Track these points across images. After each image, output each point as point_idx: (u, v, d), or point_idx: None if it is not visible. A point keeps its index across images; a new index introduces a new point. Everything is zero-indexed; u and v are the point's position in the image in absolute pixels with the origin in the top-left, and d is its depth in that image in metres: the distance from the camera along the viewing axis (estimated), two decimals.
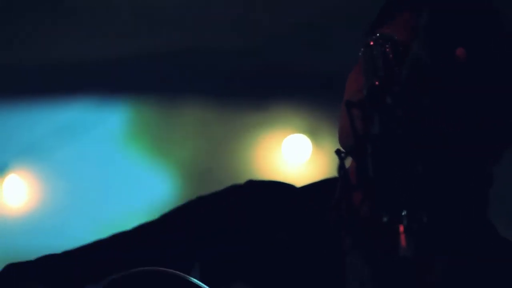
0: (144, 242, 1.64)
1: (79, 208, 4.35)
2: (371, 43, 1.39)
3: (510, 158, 1.58)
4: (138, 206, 4.33)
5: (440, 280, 1.41)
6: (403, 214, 1.14)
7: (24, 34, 4.04)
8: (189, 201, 1.70)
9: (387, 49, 1.37)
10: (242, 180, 1.74)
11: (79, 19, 3.95)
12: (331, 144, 4.31)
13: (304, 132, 4.51)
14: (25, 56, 4.22)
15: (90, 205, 4.36)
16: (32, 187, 4.37)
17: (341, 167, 1.34)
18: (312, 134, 4.51)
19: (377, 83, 1.30)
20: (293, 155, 4.49)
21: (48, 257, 1.61)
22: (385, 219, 1.15)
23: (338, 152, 1.44)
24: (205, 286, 1.47)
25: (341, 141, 1.52)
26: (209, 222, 1.65)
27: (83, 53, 4.19)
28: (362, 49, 1.40)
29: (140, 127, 4.48)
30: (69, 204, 4.35)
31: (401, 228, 1.13)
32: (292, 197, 1.67)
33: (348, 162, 1.47)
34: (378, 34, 1.45)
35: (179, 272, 1.47)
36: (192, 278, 1.48)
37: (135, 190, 4.41)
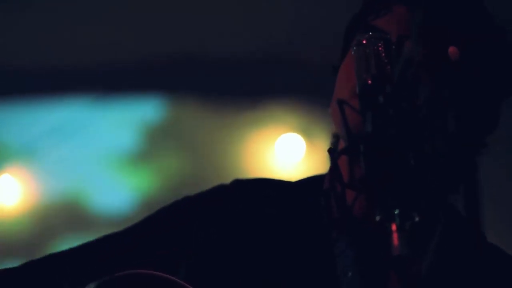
0: (131, 244, 1.63)
1: (72, 208, 4.35)
2: (364, 41, 1.39)
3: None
4: (132, 203, 4.33)
5: (425, 275, 1.42)
6: (395, 212, 1.14)
7: (19, 35, 4.04)
8: (175, 201, 1.70)
9: (380, 48, 1.37)
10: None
11: (75, 20, 3.95)
12: (325, 143, 4.30)
13: (298, 131, 4.51)
14: (19, 57, 4.21)
15: (84, 205, 4.36)
16: (26, 186, 4.37)
17: (334, 166, 1.34)
18: (306, 133, 4.51)
19: (369, 82, 1.30)
20: (286, 154, 4.49)
21: (35, 261, 1.60)
22: (377, 218, 1.15)
23: (330, 151, 1.44)
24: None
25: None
26: (196, 222, 1.64)
27: (80, 54, 4.19)
28: (354, 48, 1.40)
29: (135, 124, 4.48)
30: (63, 204, 4.35)
31: (394, 227, 1.13)
32: (280, 194, 1.66)
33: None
34: (371, 33, 1.45)
35: (166, 275, 1.47)
36: (180, 281, 1.48)
37: (129, 188, 4.41)
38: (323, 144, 4.50)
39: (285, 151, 4.49)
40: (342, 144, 1.63)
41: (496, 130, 1.59)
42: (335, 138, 1.72)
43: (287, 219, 1.60)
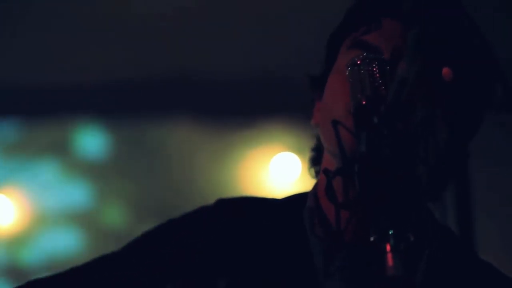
0: (117, 267, 1.62)
1: (67, 228, 4.34)
2: (359, 62, 1.39)
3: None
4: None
5: None
6: (390, 233, 1.14)
7: (17, 55, 4.05)
8: (160, 225, 1.69)
9: (375, 69, 1.38)
10: None
11: (73, 42, 3.96)
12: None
13: (293, 150, 4.51)
14: (15, 76, 4.22)
15: (77, 225, 4.36)
16: (21, 206, 4.36)
17: (328, 187, 1.34)
18: (301, 152, 4.50)
19: (364, 102, 1.31)
20: (282, 173, 4.48)
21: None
22: (372, 238, 1.15)
23: (325, 171, 1.44)
24: None
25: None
26: (180, 245, 1.63)
27: (77, 73, 4.20)
28: (349, 68, 1.41)
29: (130, 145, 4.48)
30: (57, 224, 4.34)
31: (388, 248, 1.13)
32: (264, 212, 1.66)
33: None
34: (365, 54, 1.45)
35: None
36: None
37: (123, 209, 4.41)
38: None
39: (281, 170, 4.49)
40: (326, 161, 1.63)
41: (492, 142, 1.62)
42: (315, 152, 1.73)
43: (271, 237, 1.60)
